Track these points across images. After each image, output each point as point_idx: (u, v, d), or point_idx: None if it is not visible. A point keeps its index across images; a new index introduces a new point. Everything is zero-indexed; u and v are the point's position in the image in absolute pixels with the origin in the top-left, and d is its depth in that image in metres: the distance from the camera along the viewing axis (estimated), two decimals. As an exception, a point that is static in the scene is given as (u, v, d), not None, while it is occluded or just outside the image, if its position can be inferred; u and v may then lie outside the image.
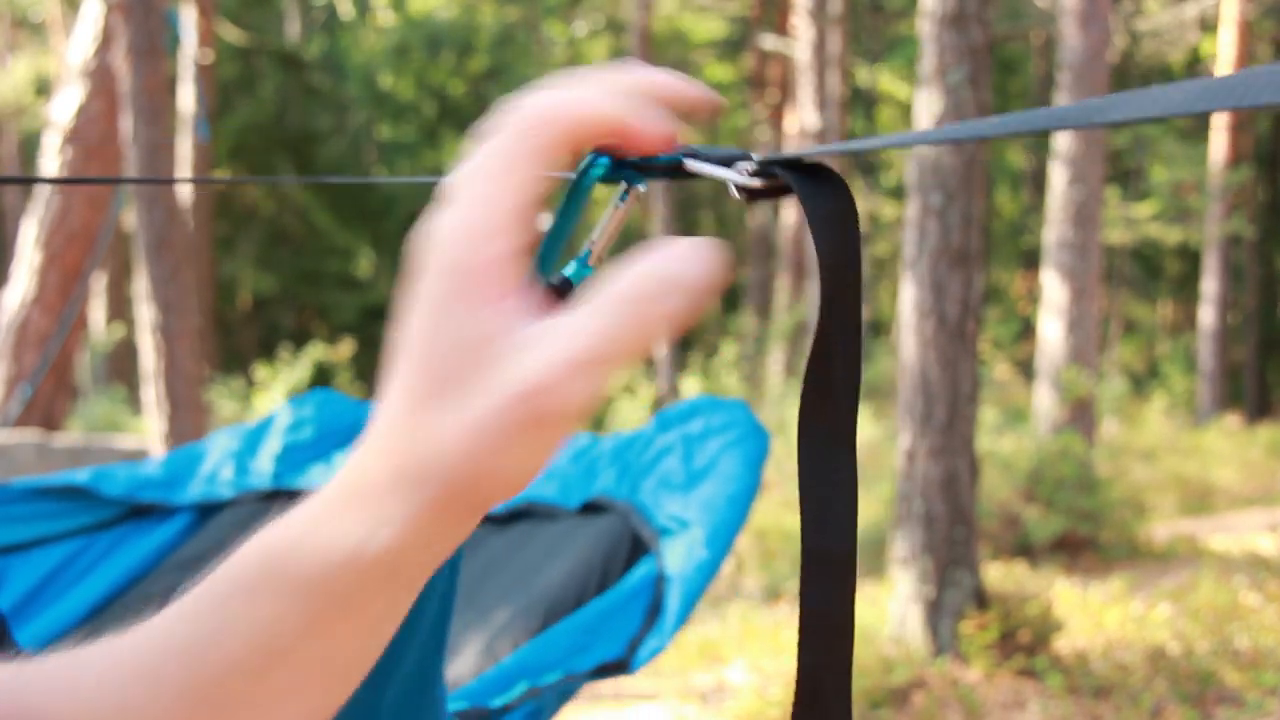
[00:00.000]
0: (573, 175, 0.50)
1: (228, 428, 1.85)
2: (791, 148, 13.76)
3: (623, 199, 0.51)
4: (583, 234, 0.55)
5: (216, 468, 1.72)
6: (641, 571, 1.42)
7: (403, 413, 0.38)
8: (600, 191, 0.53)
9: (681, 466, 1.55)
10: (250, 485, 1.70)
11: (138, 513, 1.61)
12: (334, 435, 1.81)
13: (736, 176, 0.44)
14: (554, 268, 0.53)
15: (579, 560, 1.50)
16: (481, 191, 0.39)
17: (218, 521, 1.65)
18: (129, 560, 1.56)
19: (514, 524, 1.66)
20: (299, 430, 1.78)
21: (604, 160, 0.49)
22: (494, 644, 1.38)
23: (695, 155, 0.46)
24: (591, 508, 1.61)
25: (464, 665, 1.35)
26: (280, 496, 1.68)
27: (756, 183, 0.44)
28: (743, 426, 1.58)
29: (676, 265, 0.37)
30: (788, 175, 0.44)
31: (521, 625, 1.40)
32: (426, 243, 0.39)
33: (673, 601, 1.35)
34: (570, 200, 0.51)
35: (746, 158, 0.47)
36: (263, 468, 1.71)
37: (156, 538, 1.60)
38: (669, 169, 0.47)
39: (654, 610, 1.36)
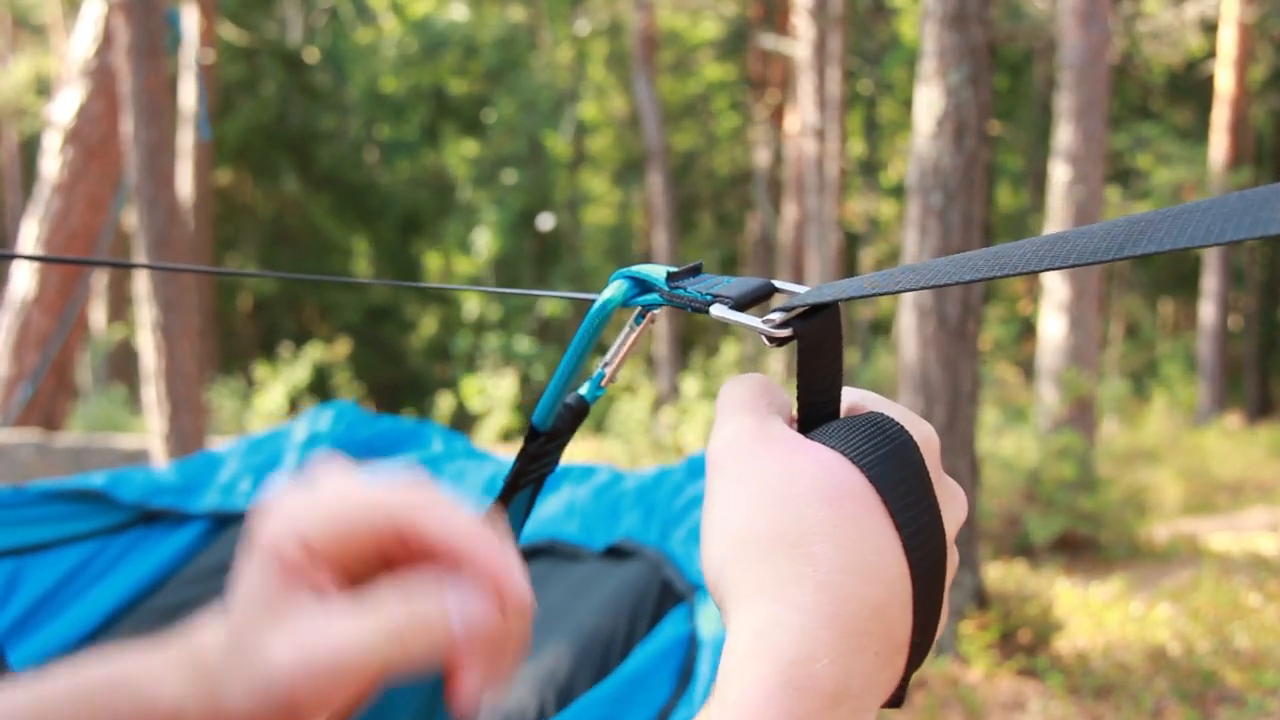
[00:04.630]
0: (595, 297, 0.51)
1: (245, 436, 1.85)
2: (792, 147, 13.76)
3: (638, 322, 0.52)
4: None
5: (234, 478, 1.71)
6: (672, 629, 1.37)
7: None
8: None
9: None
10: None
11: (151, 518, 1.61)
12: (350, 450, 1.80)
13: (765, 328, 0.46)
14: (570, 387, 0.55)
15: (605, 607, 1.45)
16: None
17: (234, 533, 1.64)
18: (144, 568, 1.55)
19: (534, 561, 1.60)
20: (315, 446, 1.78)
21: (627, 287, 0.49)
22: (518, 697, 1.36)
23: (720, 295, 0.48)
24: (617, 551, 1.56)
25: None
26: None
27: (784, 332, 0.46)
28: None
29: (461, 608, 0.42)
30: (800, 326, 0.46)
31: (546, 676, 1.37)
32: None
33: (704, 668, 1.31)
34: (591, 323, 0.51)
35: (768, 290, 0.48)
36: (279, 482, 1.70)
37: (170, 545, 1.60)
38: (694, 305, 0.49)
39: (685, 678, 1.32)
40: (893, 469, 0.43)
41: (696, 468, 1.63)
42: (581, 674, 1.38)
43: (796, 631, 0.40)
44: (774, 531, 0.42)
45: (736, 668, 0.40)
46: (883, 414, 0.45)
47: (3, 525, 1.41)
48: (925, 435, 0.45)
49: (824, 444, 0.44)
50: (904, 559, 0.42)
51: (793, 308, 0.46)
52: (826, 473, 0.42)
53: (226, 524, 1.66)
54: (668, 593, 1.47)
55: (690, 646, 1.36)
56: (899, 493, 0.42)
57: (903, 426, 0.44)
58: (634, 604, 1.46)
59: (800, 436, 0.45)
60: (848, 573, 0.40)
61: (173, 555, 1.59)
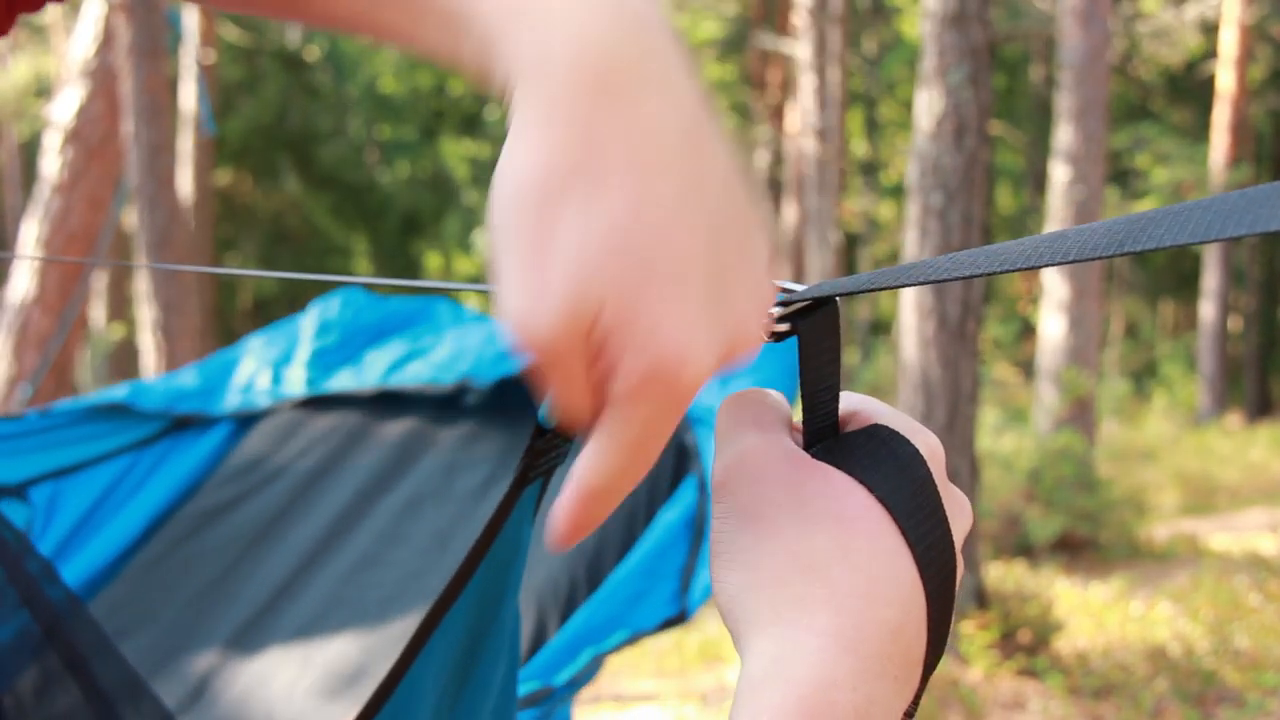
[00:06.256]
0: None
1: (259, 332, 1.85)
2: (792, 147, 13.76)
3: None
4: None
5: (252, 377, 1.72)
6: (690, 493, 1.39)
7: None
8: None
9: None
10: (285, 394, 1.70)
11: (179, 425, 1.62)
12: (361, 335, 1.80)
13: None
14: None
15: None
16: None
17: (259, 431, 1.65)
18: (176, 475, 1.57)
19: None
20: (326, 335, 1.78)
21: None
22: (551, 575, 1.37)
23: None
24: None
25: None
26: (315, 403, 1.69)
27: (784, 327, 0.46)
28: (777, 366, 1.55)
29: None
30: (800, 322, 0.46)
31: (576, 552, 1.39)
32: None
33: None
34: None
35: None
36: (296, 375, 1.72)
37: (200, 450, 1.61)
38: None
39: (699, 533, 1.33)
40: (902, 486, 0.42)
41: None
42: (609, 547, 1.40)
43: (815, 657, 0.39)
44: (788, 557, 0.41)
45: (752, 694, 0.39)
46: (888, 428, 0.44)
47: (35, 450, 1.42)
48: (931, 447, 0.45)
49: (831, 464, 0.43)
50: (918, 577, 0.41)
51: (791, 303, 0.46)
52: (837, 495, 0.42)
53: (250, 423, 1.67)
54: (682, 455, 1.48)
55: (699, 497, 1.37)
56: (909, 510, 0.42)
57: (908, 440, 0.44)
58: (653, 471, 1.47)
59: (807, 456, 0.44)
60: (865, 596, 0.40)
61: (203, 460, 1.61)
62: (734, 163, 0.40)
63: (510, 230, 0.36)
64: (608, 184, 0.36)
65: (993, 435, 8.28)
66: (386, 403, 1.68)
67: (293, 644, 1.34)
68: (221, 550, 1.48)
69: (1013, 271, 0.41)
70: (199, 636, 1.36)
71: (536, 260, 0.35)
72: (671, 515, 1.37)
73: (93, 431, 1.49)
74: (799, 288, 0.47)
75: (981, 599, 4.54)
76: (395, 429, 1.64)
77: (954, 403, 4.36)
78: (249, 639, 1.36)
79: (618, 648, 1.22)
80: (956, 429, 4.37)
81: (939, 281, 0.43)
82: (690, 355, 0.37)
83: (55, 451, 1.44)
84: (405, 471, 1.57)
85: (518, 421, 1.59)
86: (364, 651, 1.30)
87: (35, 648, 0.87)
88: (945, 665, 4.29)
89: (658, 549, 1.33)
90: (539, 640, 1.31)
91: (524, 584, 0.73)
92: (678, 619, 1.28)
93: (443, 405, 1.65)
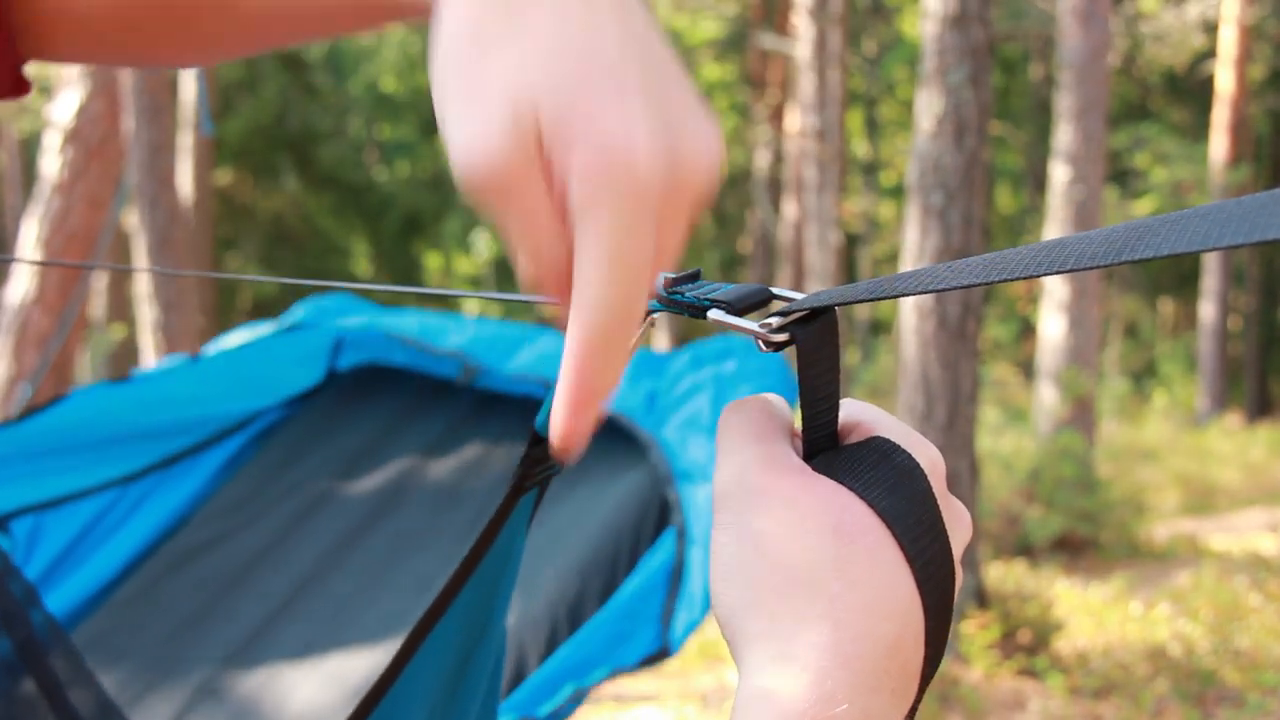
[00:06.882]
0: None
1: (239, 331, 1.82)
2: (792, 147, 13.76)
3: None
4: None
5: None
6: (669, 543, 1.40)
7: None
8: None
9: (710, 409, 1.53)
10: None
11: (165, 463, 1.61)
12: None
13: (763, 333, 0.46)
14: None
15: (609, 529, 1.48)
16: None
17: (245, 471, 1.66)
18: (163, 511, 1.57)
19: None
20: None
21: None
22: (533, 619, 1.38)
23: (718, 300, 0.47)
24: (615, 428, 1.57)
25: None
26: (308, 438, 1.69)
27: (782, 337, 0.46)
28: (776, 375, 1.55)
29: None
30: (798, 331, 0.46)
31: (557, 597, 1.40)
32: None
33: (696, 568, 1.33)
34: None
35: (765, 297, 0.48)
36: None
37: (185, 488, 1.61)
38: (691, 311, 0.48)
39: (677, 578, 1.34)
40: (902, 501, 0.42)
41: (699, 358, 1.64)
42: (590, 592, 1.41)
43: (814, 672, 0.39)
44: (787, 571, 0.41)
45: (750, 709, 0.39)
46: (889, 440, 0.44)
47: (17, 479, 1.40)
48: (931, 460, 0.45)
49: (831, 477, 0.43)
50: (916, 591, 0.41)
51: (790, 312, 0.46)
52: (836, 509, 0.42)
53: (238, 461, 1.67)
54: (664, 509, 1.49)
55: (679, 541, 1.38)
56: (908, 524, 0.42)
57: (909, 454, 0.44)
58: (637, 519, 1.49)
59: (807, 469, 0.44)
60: (863, 611, 0.40)
61: (187, 498, 1.60)
62: (656, 26, 0.41)
63: (448, 78, 0.38)
64: (533, 12, 0.38)
65: (993, 435, 8.28)
66: (378, 440, 1.68)
67: (273, 679, 1.34)
68: (202, 587, 1.48)
69: (1013, 280, 0.41)
70: (178, 671, 1.36)
71: (473, 93, 0.37)
72: (653, 562, 1.38)
73: (77, 462, 1.47)
74: (797, 296, 0.47)
75: (981, 599, 4.54)
76: (383, 467, 1.64)
77: (954, 403, 4.36)
78: (229, 673, 1.35)
79: (598, 683, 1.23)
80: (956, 429, 4.37)
81: (938, 291, 0.43)
82: (635, 140, 0.36)
83: (39, 482, 1.41)
84: (393, 510, 1.57)
85: (510, 457, 1.60)
86: (346, 687, 1.30)
87: (12, 672, 0.86)
88: (945, 665, 4.29)
89: (640, 592, 1.34)
90: (519, 678, 1.31)
91: (506, 625, 0.73)
92: (660, 655, 1.29)
93: (433, 444, 1.66)
